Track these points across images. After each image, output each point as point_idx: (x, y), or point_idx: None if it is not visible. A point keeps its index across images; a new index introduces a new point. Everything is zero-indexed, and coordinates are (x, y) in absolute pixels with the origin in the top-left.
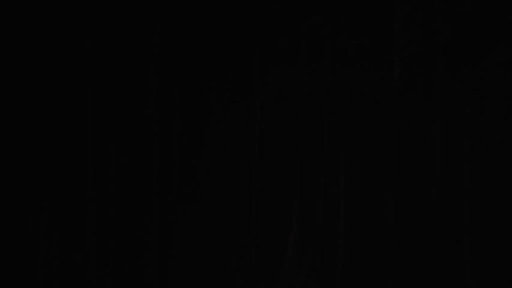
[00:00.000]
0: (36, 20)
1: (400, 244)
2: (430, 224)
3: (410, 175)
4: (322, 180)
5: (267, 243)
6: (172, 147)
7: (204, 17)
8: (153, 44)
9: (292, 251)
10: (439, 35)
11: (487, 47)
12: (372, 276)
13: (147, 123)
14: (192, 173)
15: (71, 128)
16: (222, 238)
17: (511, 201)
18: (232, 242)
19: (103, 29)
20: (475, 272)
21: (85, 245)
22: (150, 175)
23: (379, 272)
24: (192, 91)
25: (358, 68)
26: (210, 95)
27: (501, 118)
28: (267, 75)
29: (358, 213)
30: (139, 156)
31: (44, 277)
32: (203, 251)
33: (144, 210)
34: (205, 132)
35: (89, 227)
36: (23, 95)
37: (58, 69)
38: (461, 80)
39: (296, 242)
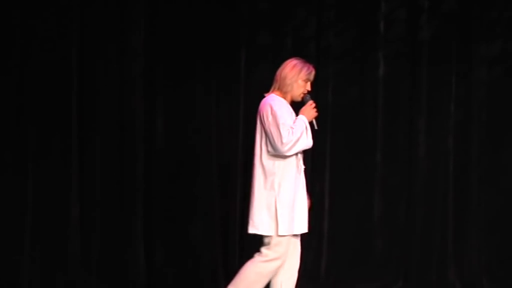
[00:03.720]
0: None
1: (385, 241)
2: (414, 221)
3: (395, 172)
4: (307, 178)
5: (250, 238)
6: (156, 141)
7: (189, 13)
8: (138, 39)
9: None
10: (423, 31)
11: (471, 44)
12: (356, 274)
13: (131, 116)
14: (176, 167)
15: (56, 119)
16: (206, 235)
17: (495, 199)
18: (217, 238)
19: (88, 20)
20: (458, 268)
21: (69, 241)
22: (135, 170)
23: (362, 270)
24: (176, 86)
25: (342, 64)
26: (194, 90)
27: (485, 115)
28: (252, 72)
29: (342, 211)
30: (124, 149)
31: (28, 275)
32: (187, 250)
33: (129, 203)
34: (189, 128)
35: (74, 221)
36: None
37: (43, 67)
38: (445, 77)
39: None
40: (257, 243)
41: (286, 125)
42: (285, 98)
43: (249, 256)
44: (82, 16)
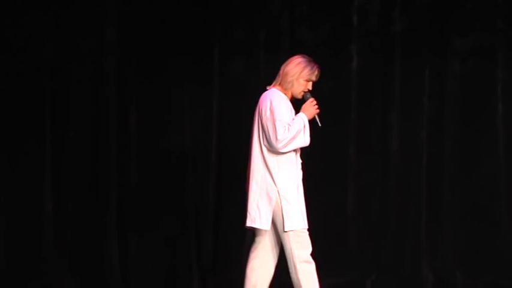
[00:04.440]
0: None
1: (359, 234)
2: (387, 214)
3: (368, 165)
4: None
5: (225, 230)
6: (130, 136)
7: (162, 8)
8: (111, 34)
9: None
10: (396, 24)
11: (444, 37)
12: (329, 267)
13: (105, 111)
14: (150, 162)
15: (29, 114)
16: (180, 229)
17: (468, 192)
18: (191, 231)
19: (61, 15)
20: (432, 261)
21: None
22: (108, 164)
23: (336, 263)
24: (150, 81)
25: (316, 58)
26: (167, 85)
27: (458, 109)
28: (225, 66)
29: (315, 205)
30: (98, 143)
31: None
32: (161, 243)
33: (103, 198)
34: (163, 123)
35: (47, 215)
36: None
37: (16, 61)
38: (418, 70)
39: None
40: (232, 236)
41: (283, 122)
42: (285, 94)
43: (224, 249)
44: (56, 11)
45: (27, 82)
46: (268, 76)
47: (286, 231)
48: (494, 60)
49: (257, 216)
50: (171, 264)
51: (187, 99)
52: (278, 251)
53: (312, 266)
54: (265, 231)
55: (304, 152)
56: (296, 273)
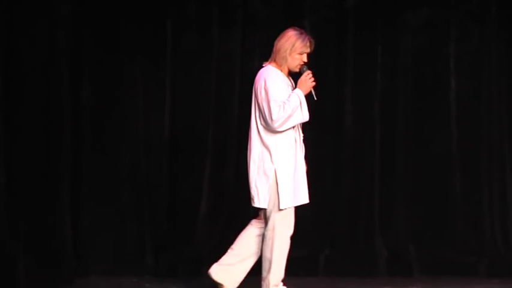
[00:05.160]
0: None
1: (312, 209)
2: (341, 189)
3: (321, 140)
4: (233, 144)
5: (178, 206)
6: (83, 112)
7: None
8: (65, 9)
9: (205, 212)
10: None
11: (396, 11)
12: None
13: (58, 86)
14: (104, 138)
15: None
16: (134, 206)
17: (421, 167)
18: (143, 205)
19: None
20: (385, 235)
21: None
22: (61, 140)
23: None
24: (103, 56)
25: (269, 33)
26: (120, 61)
27: (411, 83)
28: (179, 42)
29: None
30: (52, 119)
31: None
32: (114, 220)
33: (56, 173)
34: (115, 98)
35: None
36: None
37: None
38: (371, 44)
39: (209, 203)
40: (185, 213)
41: (278, 101)
42: (281, 70)
43: (177, 223)
44: None
45: None
46: (222, 51)
47: (281, 209)
48: (447, 35)
49: (255, 195)
50: (123, 239)
51: (140, 74)
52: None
53: (287, 246)
54: (271, 211)
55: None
56: (272, 249)
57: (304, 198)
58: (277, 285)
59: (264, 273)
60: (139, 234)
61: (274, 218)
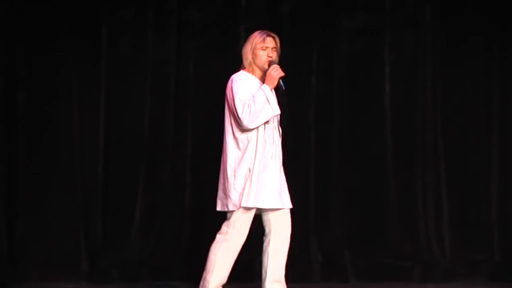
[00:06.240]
0: None
1: None
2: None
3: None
4: (170, 149)
5: (113, 211)
6: (17, 113)
7: None
8: None
9: (140, 217)
10: (284, 4)
11: (331, 17)
12: None
13: None
14: (38, 139)
15: None
16: (68, 209)
17: (355, 172)
18: (78, 211)
19: None
20: (320, 241)
21: None
22: None
23: None
24: (38, 60)
25: (204, 38)
26: (55, 65)
27: (346, 88)
28: (113, 46)
29: (204, 187)
30: None
31: None
32: (49, 222)
33: None
34: (49, 101)
35: None
36: None
37: None
38: (306, 49)
39: (143, 210)
40: (120, 217)
41: (242, 100)
42: (253, 73)
43: (113, 229)
44: None
45: None
46: (157, 55)
47: (242, 207)
48: (382, 41)
49: (229, 198)
50: (59, 245)
51: (75, 78)
52: (270, 228)
53: (236, 252)
54: (266, 209)
55: (192, 132)
56: (219, 252)
57: (272, 203)
58: None
59: (204, 273)
60: (74, 240)
61: (233, 218)
